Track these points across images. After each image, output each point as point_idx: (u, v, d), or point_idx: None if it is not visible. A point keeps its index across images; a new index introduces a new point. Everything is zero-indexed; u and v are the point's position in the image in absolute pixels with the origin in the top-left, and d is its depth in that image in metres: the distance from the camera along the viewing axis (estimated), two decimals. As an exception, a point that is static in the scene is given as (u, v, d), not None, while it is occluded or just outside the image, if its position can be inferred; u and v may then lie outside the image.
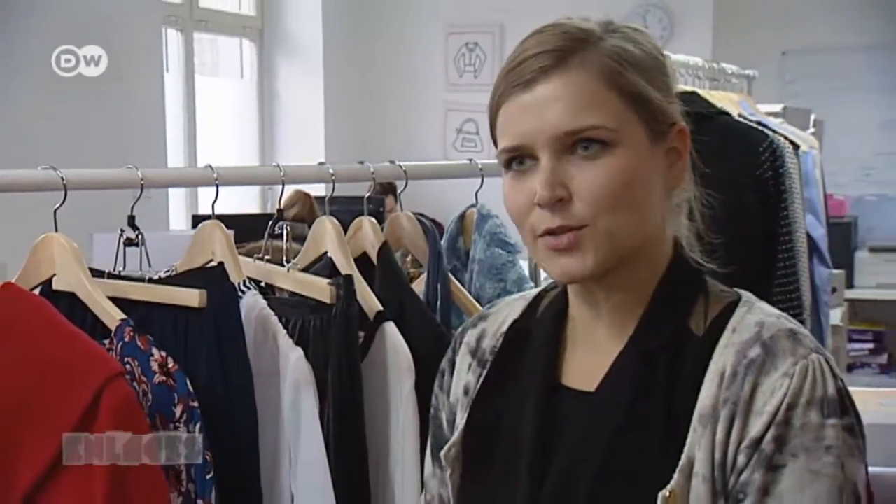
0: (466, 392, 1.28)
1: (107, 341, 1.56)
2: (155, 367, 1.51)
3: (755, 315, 1.13)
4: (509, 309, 1.31)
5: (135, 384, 1.51)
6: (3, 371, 1.48)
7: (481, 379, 1.26)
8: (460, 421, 1.26)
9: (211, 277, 1.66)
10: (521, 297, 1.33)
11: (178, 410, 1.51)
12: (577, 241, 1.10)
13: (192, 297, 1.61)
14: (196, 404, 1.52)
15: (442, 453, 1.26)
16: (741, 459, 1.06)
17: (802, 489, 1.03)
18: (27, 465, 1.43)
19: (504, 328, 1.28)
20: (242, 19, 6.32)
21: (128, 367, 1.51)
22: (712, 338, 1.12)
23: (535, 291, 1.31)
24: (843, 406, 1.07)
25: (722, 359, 1.10)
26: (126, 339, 1.53)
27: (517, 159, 1.13)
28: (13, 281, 1.60)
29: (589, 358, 1.18)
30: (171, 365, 1.52)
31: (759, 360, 1.07)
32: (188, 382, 1.52)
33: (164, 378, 1.50)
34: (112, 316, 1.58)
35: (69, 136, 4.08)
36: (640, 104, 1.12)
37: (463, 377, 1.29)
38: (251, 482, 1.61)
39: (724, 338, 1.11)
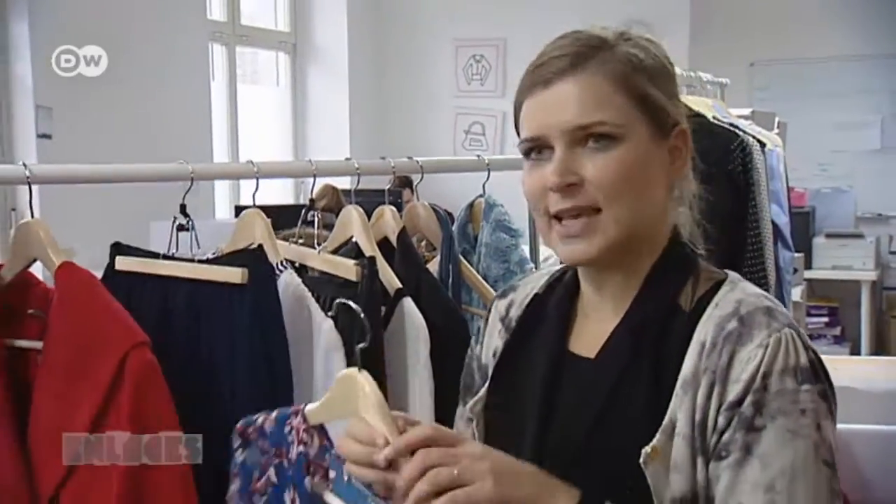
0: (495, 354, 1.28)
1: None
2: None
3: (736, 293, 1.12)
4: (535, 282, 1.31)
5: None
6: (64, 333, 1.49)
7: (506, 343, 1.27)
8: (491, 374, 1.27)
9: (251, 258, 1.66)
10: (546, 273, 1.32)
11: None
12: (588, 228, 1.10)
13: (235, 274, 1.61)
14: None
15: (468, 406, 1.28)
16: (721, 421, 1.05)
17: (782, 447, 1.03)
18: (82, 412, 1.45)
19: (526, 299, 1.28)
20: (278, 35, 6.32)
21: None
22: (697, 313, 1.11)
23: (558, 268, 1.29)
24: (816, 373, 1.06)
25: (703, 331, 1.09)
26: None
27: (535, 149, 1.13)
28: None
29: (593, 329, 1.18)
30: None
31: (735, 332, 1.07)
32: None
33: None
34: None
35: (127, 137, 4.02)
36: (647, 105, 1.12)
37: (494, 341, 1.30)
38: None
39: (706, 313, 1.11)
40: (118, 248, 1.71)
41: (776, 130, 3.98)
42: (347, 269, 1.73)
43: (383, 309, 1.77)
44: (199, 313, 1.65)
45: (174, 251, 1.73)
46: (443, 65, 6.74)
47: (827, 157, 6.84)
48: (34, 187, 1.57)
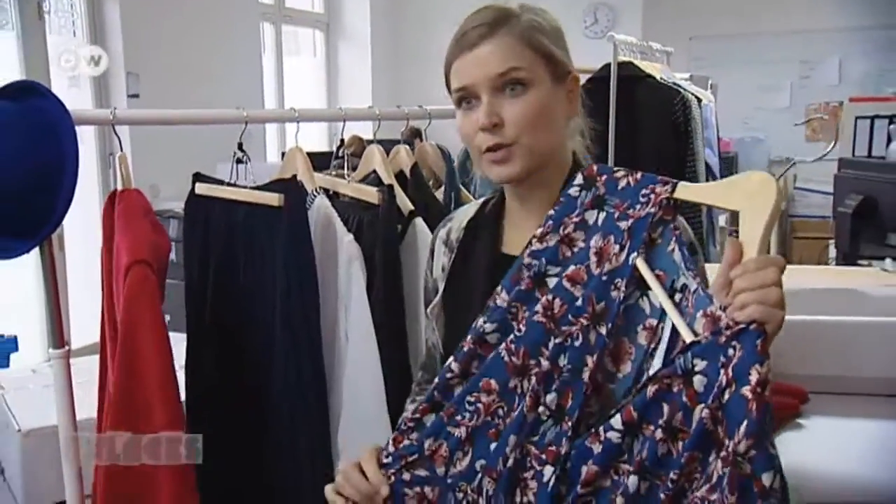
0: (443, 269, 1.27)
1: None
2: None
3: None
4: (466, 211, 1.31)
5: None
6: (126, 242, 1.46)
7: (451, 259, 1.26)
8: (441, 289, 1.26)
9: (287, 186, 1.62)
10: (474, 203, 1.32)
11: None
12: (509, 155, 1.12)
13: (273, 199, 1.59)
14: None
15: (428, 310, 1.29)
16: None
17: None
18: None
19: (464, 224, 1.28)
20: (315, 15, 6.25)
21: None
22: None
23: (482, 199, 1.30)
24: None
25: None
26: None
27: (465, 99, 1.14)
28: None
29: (520, 234, 1.15)
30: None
31: None
32: None
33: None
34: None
35: (196, 98, 3.86)
36: (547, 58, 1.13)
37: (440, 260, 1.29)
38: (312, 321, 1.59)
39: None
40: (198, 177, 1.71)
41: (710, 90, 3.94)
42: (370, 194, 1.69)
43: (399, 227, 1.73)
44: (252, 229, 1.62)
45: (235, 180, 1.70)
46: (448, 36, 6.63)
47: (748, 113, 6.84)
48: (126, 133, 1.53)
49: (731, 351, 0.84)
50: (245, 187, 1.67)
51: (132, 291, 1.38)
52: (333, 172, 1.84)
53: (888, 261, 2.83)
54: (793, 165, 6.25)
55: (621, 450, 0.91)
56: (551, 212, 1.06)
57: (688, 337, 0.89)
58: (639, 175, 1.02)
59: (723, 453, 0.83)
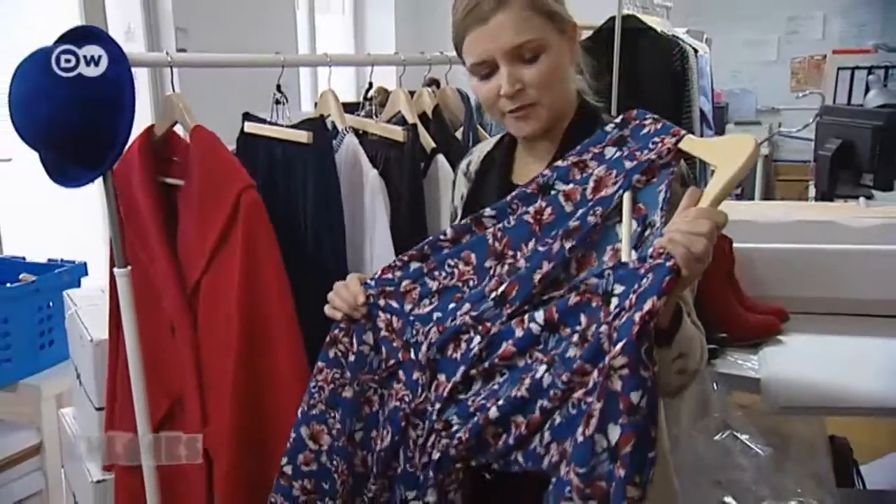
0: (462, 198, 1.27)
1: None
2: None
3: None
4: (484, 147, 1.30)
5: None
6: (198, 174, 1.44)
7: (469, 187, 1.26)
8: (459, 213, 1.26)
9: (315, 125, 1.60)
10: (491, 140, 1.31)
11: None
12: (532, 113, 1.11)
13: (302, 136, 1.56)
14: None
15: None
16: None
17: None
18: (208, 237, 1.42)
19: (482, 157, 1.27)
20: (344, -24, 6.13)
21: None
22: None
23: (498, 136, 1.29)
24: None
25: None
26: None
27: (483, 69, 1.10)
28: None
29: (527, 168, 1.18)
30: None
31: None
32: None
33: None
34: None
35: (238, 51, 3.97)
36: (553, 18, 1.09)
37: (460, 189, 1.29)
38: (339, 249, 1.58)
39: None
40: (247, 116, 1.67)
41: (704, 43, 3.84)
42: (396, 133, 1.66)
43: (422, 163, 1.71)
44: (288, 164, 1.59)
45: (275, 121, 1.67)
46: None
47: (738, 66, 6.68)
48: (176, 74, 1.49)
49: (644, 280, 0.85)
50: (281, 125, 1.64)
51: (252, 215, 1.37)
52: (362, 113, 1.81)
53: (862, 199, 2.80)
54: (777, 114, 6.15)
55: (538, 340, 0.95)
56: (586, 141, 1.07)
57: (625, 257, 0.93)
58: (660, 124, 1.03)
59: (600, 364, 0.85)
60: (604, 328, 0.86)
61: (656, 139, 1.01)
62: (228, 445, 1.39)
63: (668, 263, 0.84)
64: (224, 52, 1.54)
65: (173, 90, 1.51)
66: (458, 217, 1.25)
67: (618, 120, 1.06)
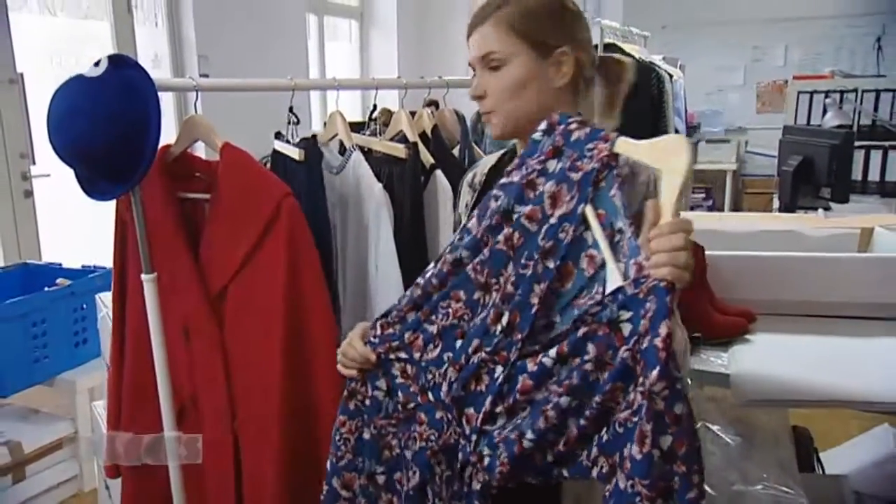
0: (467, 207, 1.27)
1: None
2: None
3: None
4: (490, 159, 1.31)
5: None
6: (231, 187, 1.43)
7: (474, 197, 1.27)
8: (464, 221, 1.23)
9: (308, 143, 1.60)
10: (495, 154, 1.31)
11: None
12: (491, 118, 1.15)
13: (297, 153, 1.57)
14: None
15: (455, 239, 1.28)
16: None
17: None
18: (242, 244, 1.41)
19: (486, 170, 1.28)
20: (351, 7, 6.10)
21: None
22: None
23: (502, 150, 1.30)
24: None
25: None
26: None
27: (474, 70, 1.16)
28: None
29: None
30: None
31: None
32: None
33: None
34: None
35: (254, 75, 3.96)
36: (526, 37, 1.10)
37: (465, 199, 1.29)
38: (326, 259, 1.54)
39: None
40: (277, 135, 1.66)
41: (679, 69, 3.86)
42: (399, 150, 1.65)
43: (422, 178, 1.70)
44: (292, 177, 1.57)
45: (290, 139, 1.66)
46: (462, 22, 6.48)
47: (709, 89, 6.77)
48: (199, 100, 1.48)
49: (648, 304, 0.85)
50: (288, 143, 1.63)
51: (294, 219, 1.37)
52: (367, 132, 1.80)
53: (821, 211, 2.81)
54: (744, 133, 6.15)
55: (552, 373, 0.93)
56: (521, 152, 1.06)
57: (619, 281, 0.90)
58: (587, 129, 1.00)
59: (640, 388, 0.84)
60: (626, 353, 0.86)
61: (590, 146, 0.98)
62: (279, 427, 1.39)
63: (663, 284, 0.84)
64: (241, 77, 1.54)
65: (195, 111, 1.51)
66: (462, 223, 1.23)
67: (543, 127, 1.03)
